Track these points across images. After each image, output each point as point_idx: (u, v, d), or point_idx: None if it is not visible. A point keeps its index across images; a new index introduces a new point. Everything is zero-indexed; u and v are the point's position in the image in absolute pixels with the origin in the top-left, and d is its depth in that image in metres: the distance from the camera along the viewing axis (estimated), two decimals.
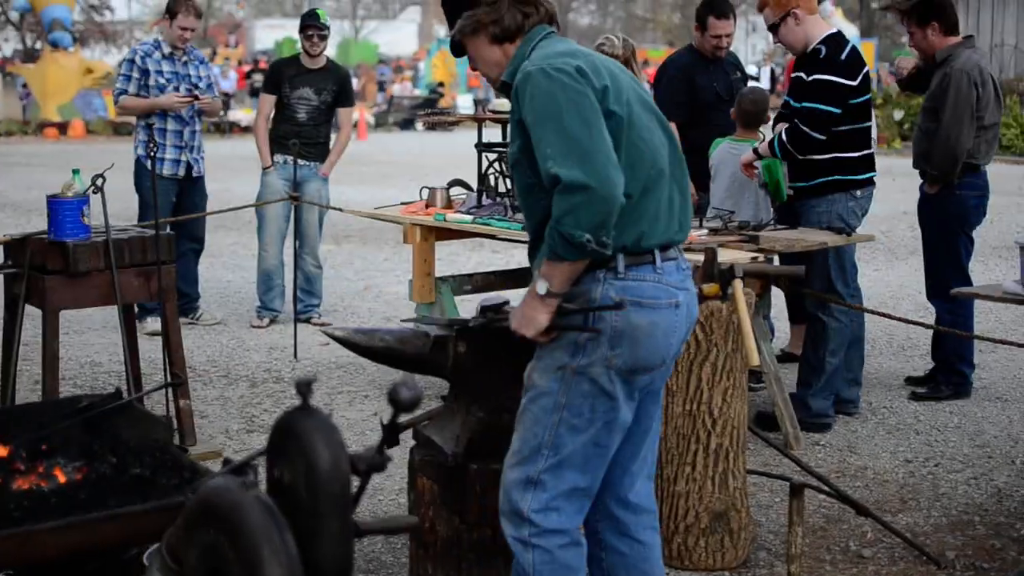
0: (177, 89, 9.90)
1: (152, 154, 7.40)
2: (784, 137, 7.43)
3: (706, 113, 8.77)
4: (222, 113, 35.83)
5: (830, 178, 7.55)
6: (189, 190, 10.11)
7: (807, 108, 7.40)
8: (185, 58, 10.03)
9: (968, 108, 7.93)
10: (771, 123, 8.05)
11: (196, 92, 9.93)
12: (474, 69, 4.42)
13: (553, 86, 3.90)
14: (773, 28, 7.67)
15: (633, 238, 3.99)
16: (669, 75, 9.07)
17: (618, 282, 3.99)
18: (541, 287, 3.96)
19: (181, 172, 9.98)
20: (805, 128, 7.38)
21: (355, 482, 2.97)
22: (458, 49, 4.35)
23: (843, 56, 7.47)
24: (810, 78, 7.43)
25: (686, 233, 4.22)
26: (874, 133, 8.73)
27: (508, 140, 4.19)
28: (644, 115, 4.08)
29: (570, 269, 3.93)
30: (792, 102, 7.57)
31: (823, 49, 7.47)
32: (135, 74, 9.89)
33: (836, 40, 7.56)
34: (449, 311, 8.01)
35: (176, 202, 10.02)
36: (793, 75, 7.69)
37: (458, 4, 4.26)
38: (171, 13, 9.92)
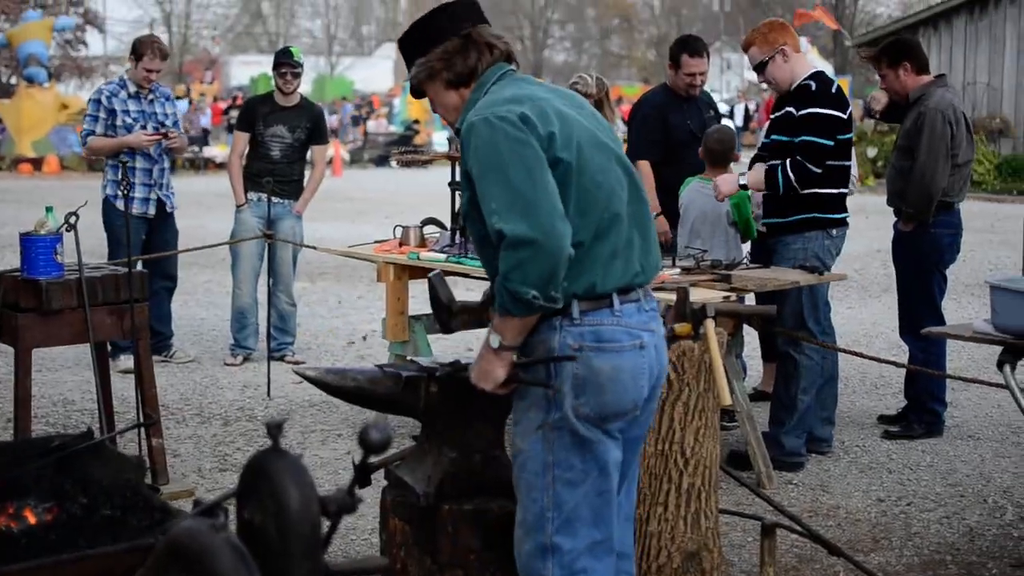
0: (144, 127, 9.89)
1: (125, 192, 7.39)
2: (791, 172, 7.43)
3: (680, 152, 8.78)
4: (196, 149, 35.86)
5: (808, 215, 7.58)
6: (160, 228, 10.11)
7: (804, 141, 7.44)
8: (151, 96, 10.03)
9: (943, 146, 7.97)
10: (749, 162, 8.06)
11: (164, 129, 9.93)
12: (435, 112, 4.38)
13: (496, 136, 3.85)
14: (761, 66, 7.68)
15: (585, 286, 3.94)
16: (643, 113, 9.08)
17: (575, 328, 3.94)
18: (494, 340, 3.93)
19: (151, 210, 9.98)
20: (804, 162, 7.41)
21: (326, 524, 2.97)
22: (419, 92, 4.31)
23: (833, 90, 7.55)
24: (802, 112, 7.46)
25: (649, 275, 4.16)
26: (855, 171, 8.77)
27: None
28: (598, 157, 4.00)
29: (521, 323, 3.89)
30: (783, 138, 7.58)
31: (813, 84, 7.52)
32: (102, 114, 9.90)
33: (822, 76, 7.63)
34: (422, 350, 8.01)
35: (147, 240, 10.02)
36: (779, 112, 7.71)
37: (413, 49, 4.23)
38: (137, 55, 9.92)
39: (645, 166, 8.71)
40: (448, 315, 4.69)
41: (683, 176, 8.52)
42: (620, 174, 4.08)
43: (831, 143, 7.44)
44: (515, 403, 4.11)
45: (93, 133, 9.92)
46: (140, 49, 9.89)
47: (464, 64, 4.13)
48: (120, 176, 9.16)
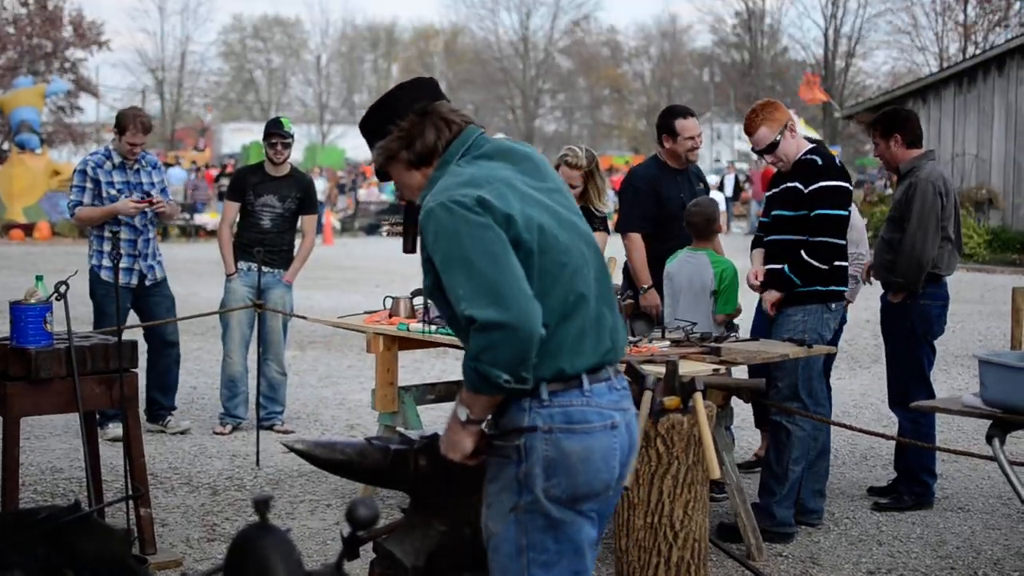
0: (130, 197, 9.90)
1: (116, 262, 7.40)
2: (808, 260, 7.48)
3: (672, 225, 8.72)
4: (188, 216, 35.90)
5: (810, 288, 7.60)
6: (146, 297, 10.12)
7: (822, 216, 7.49)
8: (136, 165, 10.03)
9: (933, 217, 8.01)
10: (751, 244, 8.11)
11: (150, 197, 9.93)
12: (399, 192, 4.28)
13: (455, 222, 3.78)
14: (772, 146, 7.67)
15: (553, 370, 3.87)
16: (635, 186, 9.02)
17: (544, 409, 3.87)
18: (462, 413, 3.90)
19: (134, 281, 9.98)
20: (824, 238, 7.48)
21: None
22: (383, 175, 4.24)
23: (837, 162, 7.62)
24: (812, 187, 7.51)
25: (619, 352, 4.07)
26: (866, 250, 8.86)
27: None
28: (561, 236, 3.93)
29: (489, 399, 3.85)
30: (786, 213, 7.61)
31: (817, 158, 7.57)
32: (88, 184, 9.92)
33: (821, 149, 7.70)
34: (412, 420, 8.00)
35: (135, 309, 10.06)
36: (778, 188, 7.73)
37: (371, 132, 4.19)
38: (120, 128, 9.94)
39: (637, 239, 8.72)
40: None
41: (674, 248, 8.53)
42: (585, 251, 4.01)
43: (847, 213, 7.53)
44: (487, 486, 4.04)
45: (81, 203, 9.94)
46: (123, 123, 9.91)
47: (423, 144, 4.07)
48: (111, 247, 9.16)
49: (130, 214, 9.84)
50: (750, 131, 7.76)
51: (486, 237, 3.76)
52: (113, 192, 9.89)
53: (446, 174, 4.00)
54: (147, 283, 10.07)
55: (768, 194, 7.99)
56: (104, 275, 9.85)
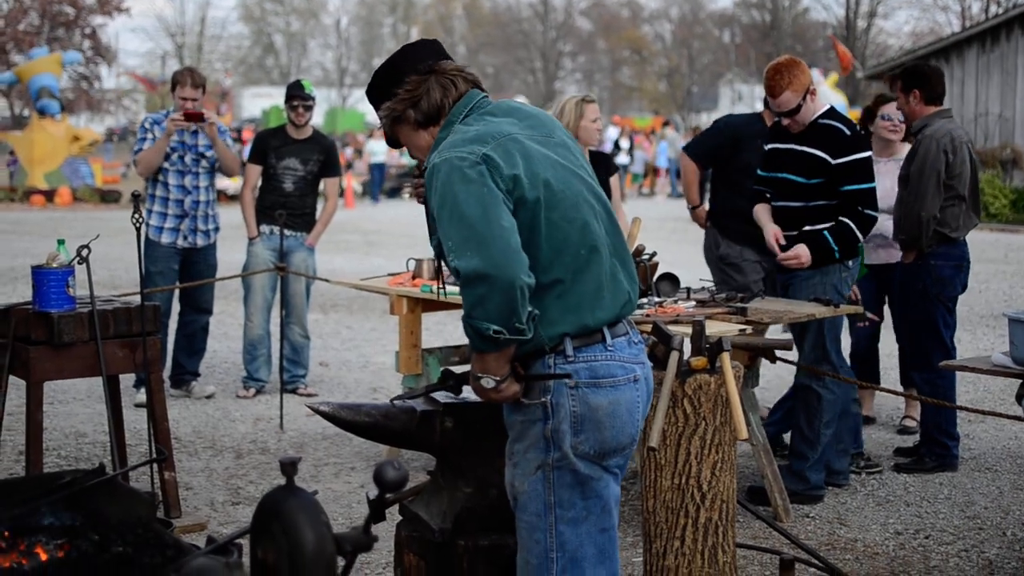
0: (183, 159, 9.89)
1: (136, 224, 7.37)
2: (855, 230, 7.40)
3: (744, 181, 8.42)
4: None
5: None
6: (191, 261, 10.12)
7: (857, 191, 7.40)
8: (195, 127, 9.99)
9: (935, 173, 7.93)
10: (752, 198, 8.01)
11: (195, 111, 9.85)
12: (412, 157, 4.31)
13: (454, 177, 3.81)
14: (795, 110, 7.56)
15: (575, 324, 3.91)
16: (718, 124, 9.18)
17: (569, 365, 3.91)
18: (488, 382, 3.89)
19: (180, 241, 9.97)
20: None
21: (340, 562, 2.93)
22: (394, 141, 4.25)
23: (857, 128, 7.54)
24: (843, 160, 7.38)
25: (635, 305, 4.12)
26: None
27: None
28: (568, 191, 3.96)
29: (496, 357, 3.86)
30: (801, 179, 7.49)
31: (843, 127, 7.47)
32: (149, 136, 9.95)
33: (839, 115, 7.60)
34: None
35: (183, 271, 10.12)
36: (788, 146, 7.62)
37: (378, 95, 4.19)
38: (173, 84, 10.02)
39: (688, 161, 8.88)
40: (455, 383, 4.68)
41: (738, 200, 8.42)
42: (594, 204, 4.04)
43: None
44: (512, 445, 4.07)
45: (141, 152, 9.93)
46: (176, 78, 10.00)
47: (429, 102, 4.08)
48: (134, 208, 9.17)
49: (178, 127, 9.78)
50: (774, 93, 7.57)
51: (481, 192, 3.79)
52: (167, 150, 9.86)
53: (453, 132, 4.01)
54: (189, 246, 10.05)
55: (768, 147, 7.84)
56: (151, 234, 9.87)
